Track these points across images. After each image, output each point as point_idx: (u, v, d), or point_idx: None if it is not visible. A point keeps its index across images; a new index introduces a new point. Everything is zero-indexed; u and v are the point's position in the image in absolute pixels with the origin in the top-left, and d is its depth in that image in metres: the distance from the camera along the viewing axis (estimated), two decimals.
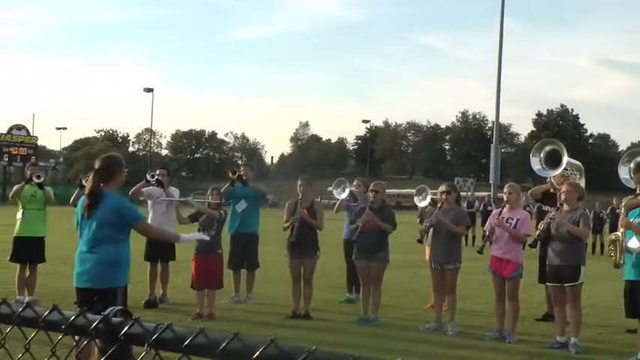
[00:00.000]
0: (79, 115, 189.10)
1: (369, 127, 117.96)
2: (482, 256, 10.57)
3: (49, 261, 12.23)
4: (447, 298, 10.24)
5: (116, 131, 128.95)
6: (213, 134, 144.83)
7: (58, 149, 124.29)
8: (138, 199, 12.35)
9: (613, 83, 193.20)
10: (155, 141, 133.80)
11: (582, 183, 10.61)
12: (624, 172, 9.96)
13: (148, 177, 11.51)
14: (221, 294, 11.34)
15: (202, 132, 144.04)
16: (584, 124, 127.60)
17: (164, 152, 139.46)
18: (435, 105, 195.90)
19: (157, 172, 11.78)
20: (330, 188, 15.46)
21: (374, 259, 10.45)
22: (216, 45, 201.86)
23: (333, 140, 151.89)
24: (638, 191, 8.25)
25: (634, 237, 8.07)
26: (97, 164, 6.60)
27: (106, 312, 1.72)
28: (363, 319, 10.44)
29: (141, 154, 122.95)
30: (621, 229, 8.30)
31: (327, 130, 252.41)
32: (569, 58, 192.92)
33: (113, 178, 6.57)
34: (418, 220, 11.90)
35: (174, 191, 11.96)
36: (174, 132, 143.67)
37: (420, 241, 10.70)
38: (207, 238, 8.86)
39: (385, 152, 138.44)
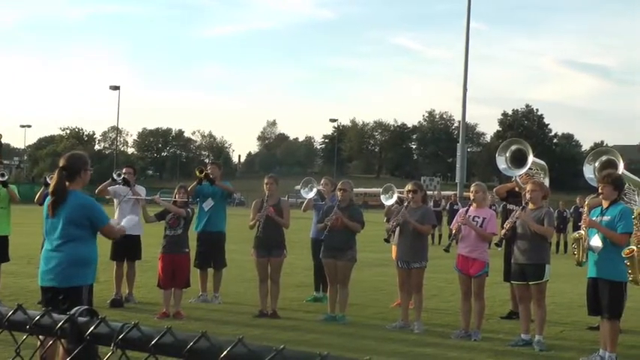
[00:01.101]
0: (44, 113, 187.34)
1: (336, 126, 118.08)
2: (448, 254, 10.65)
3: (13, 260, 12.09)
4: (414, 297, 10.29)
5: (82, 129, 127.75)
6: (180, 133, 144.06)
7: (23, 147, 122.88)
8: (104, 198, 12.27)
9: (577, 84, 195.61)
10: (121, 139, 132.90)
11: (546, 182, 10.73)
12: (589, 172, 10.10)
13: (115, 175, 11.41)
14: (188, 293, 11.31)
15: (169, 130, 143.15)
16: (548, 124, 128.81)
17: (130, 150, 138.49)
18: (402, 104, 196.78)
19: (124, 170, 11.69)
20: (297, 187, 15.48)
21: (341, 258, 10.46)
22: (185, 43, 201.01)
23: (301, 139, 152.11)
24: (600, 190, 8.34)
25: (596, 235, 8.17)
26: (61, 162, 6.53)
27: (72, 311, 1.71)
28: (330, 318, 10.46)
29: (107, 152, 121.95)
30: (584, 228, 8.39)
31: (295, 129, 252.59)
32: (534, 58, 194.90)
33: (78, 176, 6.51)
34: (385, 219, 11.94)
35: (141, 190, 11.89)
36: (140, 130, 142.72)
37: (386, 239, 10.72)
38: (136, 218, 8.49)
39: (352, 151, 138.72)
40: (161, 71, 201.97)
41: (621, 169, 9.68)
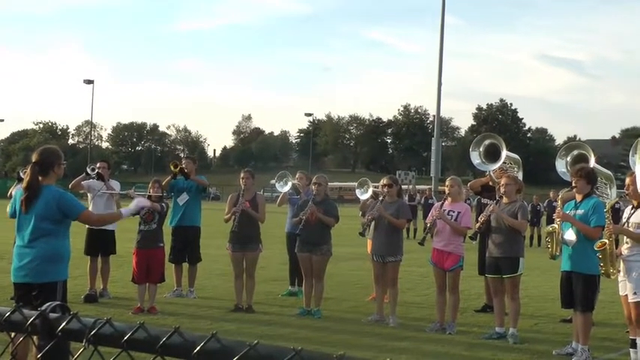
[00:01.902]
0: (17, 107, 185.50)
1: (311, 120, 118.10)
2: (423, 248, 10.68)
3: None
4: (389, 291, 10.32)
5: (55, 123, 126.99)
6: (155, 127, 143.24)
7: None
8: (78, 192, 12.18)
9: (551, 79, 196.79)
10: (95, 133, 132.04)
11: (520, 176, 10.78)
12: (561, 166, 10.18)
13: (89, 170, 11.35)
14: (162, 288, 11.27)
15: (144, 124, 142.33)
16: (522, 119, 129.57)
17: (105, 145, 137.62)
18: (378, 99, 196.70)
19: (98, 165, 11.62)
20: (272, 181, 15.44)
21: (316, 252, 10.47)
22: (160, 37, 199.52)
23: (276, 133, 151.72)
24: (574, 184, 8.40)
25: (570, 229, 8.23)
26: (35, 157, 6.47)
27: (43, 307, 1.69)
28: (306, 312, 10.47)
29: (81, 146, 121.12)
30: (558, 222, 8.45)
31: (270, 124, 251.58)
32: (508, 53, 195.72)
33: (52, 170, 6.45)
34: (360, 213, 11.95)
35: (115, 184, 11.83)
36: (115, 124, 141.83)
37: (362, 233, 10.74)
38: (147, 203, 8.37)
39: (328, 145, 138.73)
40: (136, 65, 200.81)
41: (592, 163, 9.76)
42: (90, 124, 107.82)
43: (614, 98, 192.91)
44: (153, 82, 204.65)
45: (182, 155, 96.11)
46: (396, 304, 10.27)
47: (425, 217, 14.63)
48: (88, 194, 11.74)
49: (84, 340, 1.60)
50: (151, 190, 10.87)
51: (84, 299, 11.03)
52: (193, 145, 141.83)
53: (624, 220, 7.93)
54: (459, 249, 9.76)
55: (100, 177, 11.30)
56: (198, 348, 1.44)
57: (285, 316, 10.45)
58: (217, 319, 10.04)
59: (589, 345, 8.24)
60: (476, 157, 11.07)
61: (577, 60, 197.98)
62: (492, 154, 10.93)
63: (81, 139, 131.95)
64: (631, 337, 7.81)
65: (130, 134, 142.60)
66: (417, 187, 43.39)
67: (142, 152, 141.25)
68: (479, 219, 9.67)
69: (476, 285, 12.80)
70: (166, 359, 1.51)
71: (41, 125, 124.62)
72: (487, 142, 11.14)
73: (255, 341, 1.41)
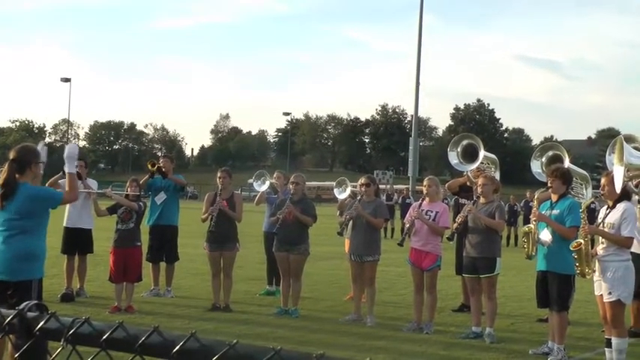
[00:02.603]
0: None
1: (289, 119, 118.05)
2: (401, 248, 10.71)
3: None
4: (366, 290, 10.34)
5: (32, 122, 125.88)
6: (133, 126, 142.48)
7: None
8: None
9: (528, 79, 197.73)
10: (72, 132, 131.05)
11: (497, 176, 10.84)
12: (536, 166, 10.25)
13: (66, 169, 11.25)
14: (140, 287, 11.22)
15: (121, 123, 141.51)
16: (499, 119, 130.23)
17: (82, 143, 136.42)
18: (356, 98, 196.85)
19: (75, 163, 11.52)
20: (250, 180, 15.44)
21: (294, 252, 10.47)
22: (137, 35, 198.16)
23: (254, 132, 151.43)
24: (549, 184, 8.46)
25: (546, 229, 8.29)
26: (12, 154, 6.45)
27: (21, 306, 1.68)
28: (283, 312, 10.47)
29: (58, 145, 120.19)
30: (534, 222, 8.51)
31: (248, 123, 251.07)
32: (487, 53, 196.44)
33: (29, 168, 6.44)
34: (338, 213, 11.98)
35: (93, 183, 11.77)
36: (92, 123, 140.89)
37: (339, 233, 10.76)
38: (76, 150, 7.58)
39: (306, 145, 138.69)
40: (113, 63, 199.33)
41: (567, 163, 9.84)
42: (67, 122, 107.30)
43: (590, 99, 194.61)
44: (130, 80, 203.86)
45: (160, 154, 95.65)
46: (374, 303, 10.30)
47: (402, 216, 14.69)
48: None
49: (62, 340, 1.59)
50: (129, 189, 10.84)
51: (60, 298, 10.97)
52: (171, 143, 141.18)
53: (600, 220, 8.00)
54: (436, 249, 9.79)
55: (77, 176, 11.22)
56: (177, 347, 1.44)
57: (263, 316, 10.45)
58: (195, 319, 10.02)
59: (565, 344, 8.31)
60: (454, 158, 11.12)
61: (555, 61, 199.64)
62: (470, 155, 10.98)
63: (58, 138, 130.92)
64: (606, 337, 7.88)
65: (107, 133, 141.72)
66: (394, 186, 43.53)
67: (119, 151, 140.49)
68: (456, 219, 9.72)
69: (453, 285, 12.86)
70: (145, 359, 1.51)
71: (18, 123, 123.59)
72: (465, 142, 11.19)
73: (235, 340, 1.41)
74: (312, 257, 11.45)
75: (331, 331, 9.49)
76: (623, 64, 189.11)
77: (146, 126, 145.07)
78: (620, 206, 7.73)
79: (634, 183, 8.82)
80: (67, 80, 76.95)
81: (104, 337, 1.55)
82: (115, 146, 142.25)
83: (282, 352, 1.35)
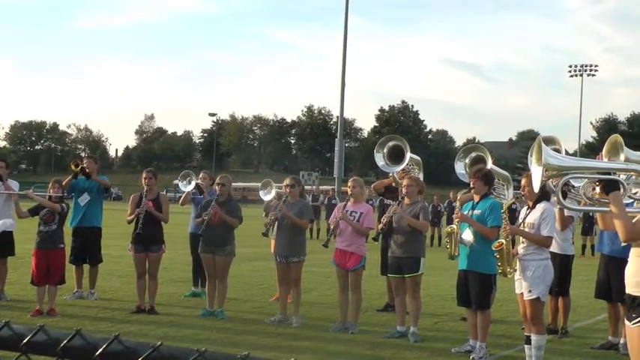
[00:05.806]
0: None
1: (215, 120, 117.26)
2: (326, 249, 10.77)
3: None
4: (292, 291, 10.37)
5: None
6: (55, 126, 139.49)
7: None
8: None
9: (451, 81, 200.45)
10: None
11: (421, 177, 11.00)
12: (460, 168, 10.44)
13: None
14: (63, 290, 11.03)
15: (43, 123, 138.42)
16: (424, 120, 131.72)
17: (2, 144, 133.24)
18: (282, 99, 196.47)
19: None
20: (176, 181, 15.30)
21: (220, 253, 10.43)
22: (62, 33, 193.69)
23: (179, 133, 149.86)
24: (472, 185, 8.62)
25: (468, 229, 8.44)
26: None
27: None
28: (209, 313, 10.41)
29: None
30: (456, 222, 8.65)
31: (173, 123, 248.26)
32: (411, 55, 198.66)
33: None
34: (264, 214, 11.98)
35: (14, 184, 11.50)
36: (13, 123, 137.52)
37: (265, 234, 10.76)
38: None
39: (231, 146, 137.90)
40: (36, 62, 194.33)
41: (490, 164, 10.05)
42: None
43: (511, 101, 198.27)
44: (53, 79, 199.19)
45: (83, 155, 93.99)
46: (300, 304, 10.33)
47: (328, 217, 14.75)
48: None
49: None
50: (51, 190, 10.63)
51: None
52: (95, 144, 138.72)
53: (520, 220, 8.18)
54: (361, 249, 9.87)
55: None
56: (100, 350, 1.43)
57: (189, 317, 10.37)
58: (119, 321, 9.89)
59: (487, 342, 8.48)
60: (380, 159, 11.23)
61: (477, 64, 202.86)
62: (396, 156, 11.10)
63: None
64: (526, 334, 8.06)
65: (28, 133, 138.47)
66: (320, 187, 43.65)
67: (41, 151, 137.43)
68: (381, 220, 9.81)
69: (378, 284, 12.99)
70: None
71: None
72: (391, 143, 11.31)
73: (159, 342, 1.41)
74: (238, 258, 11.42)
75: (257, 332, 9.48)
76: (544, 67, 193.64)
77: (69, 126, 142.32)
78: (540, 206, 7.92)
79: (553, 183, 9.05)
80: None
81: (24, 341, 1.52)
82: (36, 146, 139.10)
83: (207, 354, 1.36)
